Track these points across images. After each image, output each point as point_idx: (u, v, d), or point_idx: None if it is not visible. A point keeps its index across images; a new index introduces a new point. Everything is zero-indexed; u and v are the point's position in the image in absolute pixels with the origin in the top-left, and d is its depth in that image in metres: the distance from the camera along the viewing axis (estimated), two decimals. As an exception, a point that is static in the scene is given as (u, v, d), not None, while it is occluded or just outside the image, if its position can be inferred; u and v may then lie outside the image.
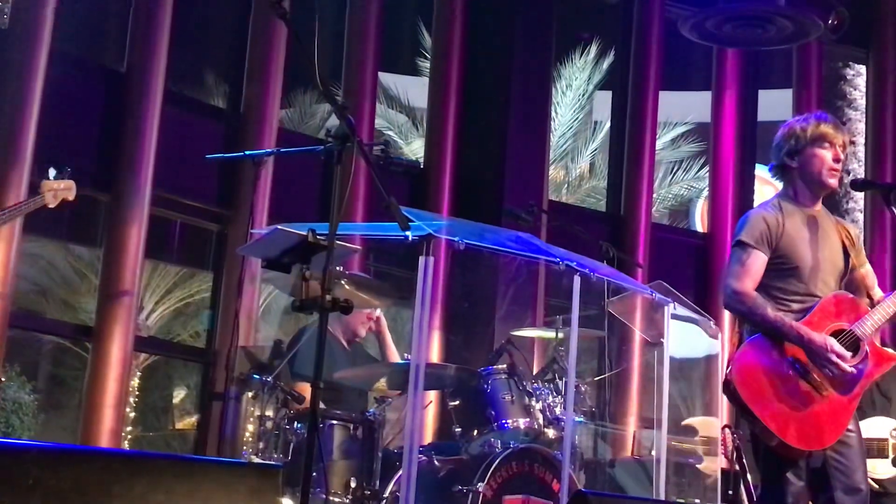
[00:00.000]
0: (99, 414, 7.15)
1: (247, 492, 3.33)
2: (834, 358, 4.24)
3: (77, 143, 7.47)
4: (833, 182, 4.50)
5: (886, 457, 5.97)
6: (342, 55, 8.70)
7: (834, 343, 4.27)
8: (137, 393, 12.82)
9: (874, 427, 5.97)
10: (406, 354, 6.06)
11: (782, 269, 4.41)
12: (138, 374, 12.70)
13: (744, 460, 6.27)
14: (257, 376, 5.55)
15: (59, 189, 5.93)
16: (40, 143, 6.95)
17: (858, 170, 10.56)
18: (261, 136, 7.91)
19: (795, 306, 4.38)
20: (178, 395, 14.48)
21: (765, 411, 4.26)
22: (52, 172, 5.94)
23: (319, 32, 3.73)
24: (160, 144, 7.47)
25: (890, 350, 4.61)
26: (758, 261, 4.38)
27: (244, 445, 5.89)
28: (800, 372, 4.28)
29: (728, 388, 4.34)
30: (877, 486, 5.95)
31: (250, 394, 5.68)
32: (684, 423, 7.71)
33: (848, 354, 4.28)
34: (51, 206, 5.97)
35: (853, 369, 4.27)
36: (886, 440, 5.98)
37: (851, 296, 4.44)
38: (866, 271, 4.55)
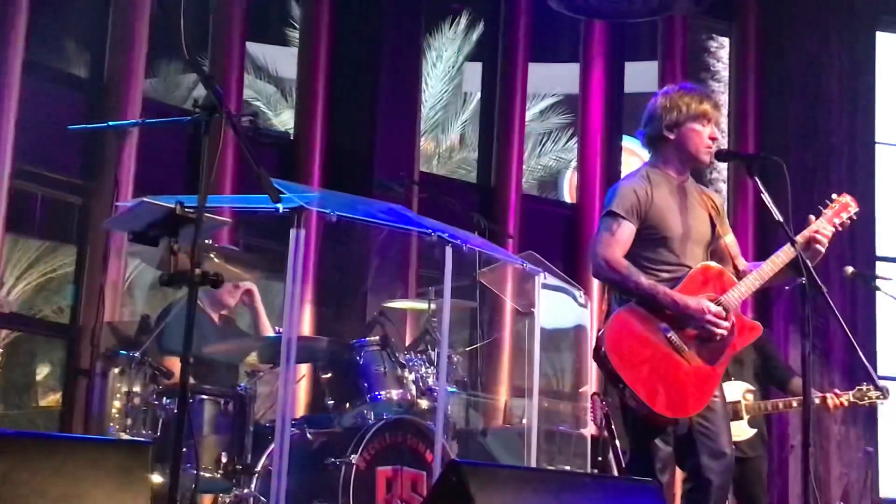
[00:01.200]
0: (-41, 393, 6.95)
1: (115, 468, 3.26)
2: (712, 319, 4.33)
3: (-68, 114, 7.20)
4: (707, 159, 4.59)
5: (741, 419, 6.13)
6: (209, 24, 8.54)
7: (710, 305, 4.35)
8: (-1, 370, 12.50)
9: (728, 391, 6.12)
10: (277, 328, 6.01)
11: (651, 239, 4.47)
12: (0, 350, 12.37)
13: (612, 427, 6.37)
14: (124, 352, 5.46)
15: None
16: None
17: (721, 140, 10.75)
18: (125, 106, 7.71)
19: (665, 276, 4.45)
20: (42, 371, 14.15)
21: (635, 379, 4.33)
22: None
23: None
24: (19, 115, 7.24)
25: (753, 321, 4.73)
26: (627, 230, 4.44)
27: (111, 422, 5.78)
28: (669, 340, 4.36)
29: (598, 354, 4.40)
30: (737, 453, 6.12)
31: (117, 370, 5.57)
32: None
33: (724, 313, 4.36)
34: None
35: (729, 325, 4.36)
36: (739, 402, 6.14)
37: (719, 267, 4.53)
38: (731, 241, 4.65)
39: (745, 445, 6.16)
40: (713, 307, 4.35)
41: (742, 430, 6.12)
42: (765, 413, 6.26)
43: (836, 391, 6.24)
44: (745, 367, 6.27)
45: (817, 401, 6.13)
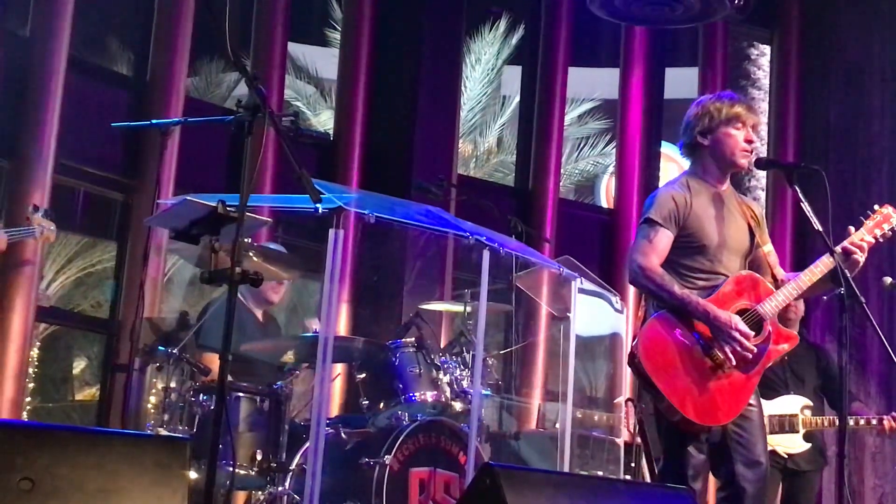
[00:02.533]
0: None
1: (154, 464, 3.29)
2: (737, 336, 4.32)
3: (-23, 109, 7.29)
4: (745, 162, 4.59)
5: (797, 432, 6.12)
6: (251, 24, 8.60)
7: (739, 321, 4.35)
8: (37, 363, 12.60)
9: (785, 404, 6.13)
10: (314, 327, 6.03)
11: (689, 247, 4.48)
12: (37, 344, 12.48)
13: (646, 433, 6.37)
14: (162, 348, 5.49)
15: (46, 227, 6.14)
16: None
17: (761, 148, 10.71)
18: (167, 104, 7.78)
19: (701, 283, 4.46)
20: (79, 365, 14.27)
21: (668, 386, 4.33)
22: (41, 211, 6.18)
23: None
24: (64, 111, 7.32)
25: (790, 330, 4.72)
26: (664, 238, 4.44)
27: (148, 418, 5.83)
28: (704, 348, 4.36)
29: (633, 361, 4.40)
30: (791, 465, 6.12)
31: (155, 366, 5.62)
32: None
33: (751, 334, 4.36)
34: (36, 238, 6.17)
35: (755, 348, 4.36)
36: (797, 415, 6.13)
37: (756, 276, 4.53)
38: (769, 250, 4.64)
39: (800, 459, 6.16)
40: (742, 325, 4.34)
41: (797, 444, 6.13)
42: (820, 429, 6.25)
43: (895, 414, 6.23)
44: (806, 385, 6.27)
45: (874, 422, 6.13)
